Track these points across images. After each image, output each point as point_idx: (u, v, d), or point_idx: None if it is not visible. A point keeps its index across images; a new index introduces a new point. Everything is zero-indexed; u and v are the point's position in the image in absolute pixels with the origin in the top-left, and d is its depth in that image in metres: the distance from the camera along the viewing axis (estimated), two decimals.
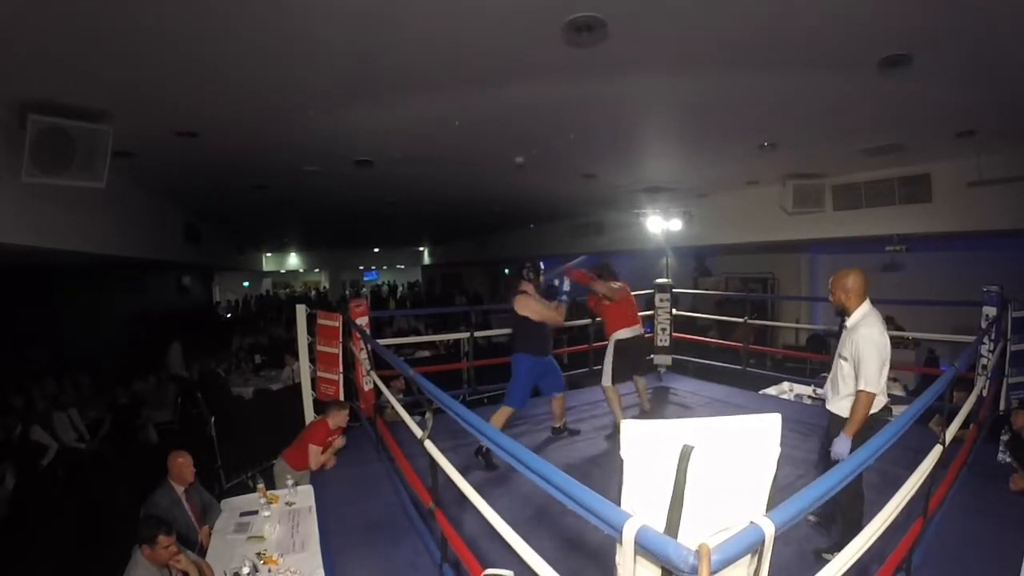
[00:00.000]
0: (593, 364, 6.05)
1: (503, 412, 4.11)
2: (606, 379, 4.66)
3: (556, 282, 4.28)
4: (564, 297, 4.21)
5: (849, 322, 2.70)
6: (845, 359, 2.68)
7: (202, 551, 3.14)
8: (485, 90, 3.57)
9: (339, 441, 4.15)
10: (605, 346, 4.83)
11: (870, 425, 2.62)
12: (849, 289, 2.69)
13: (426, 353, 9.42)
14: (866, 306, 2.67)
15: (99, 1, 2.31)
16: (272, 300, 21.77)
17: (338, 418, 4.13)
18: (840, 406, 2.73)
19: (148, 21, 2.48)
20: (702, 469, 1.09)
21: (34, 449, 5.71)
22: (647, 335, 5.18)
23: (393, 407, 3.59)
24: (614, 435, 4.48)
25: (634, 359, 4.85)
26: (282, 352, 8.64)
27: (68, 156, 3.50)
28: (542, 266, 4.24)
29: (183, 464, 3.37)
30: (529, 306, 4.04)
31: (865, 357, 2.53)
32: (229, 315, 18.41)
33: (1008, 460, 3.58)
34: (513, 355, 4.19)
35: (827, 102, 3.90)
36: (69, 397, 6.85)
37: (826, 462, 2.86)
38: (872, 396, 2.54)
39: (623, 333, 4.68)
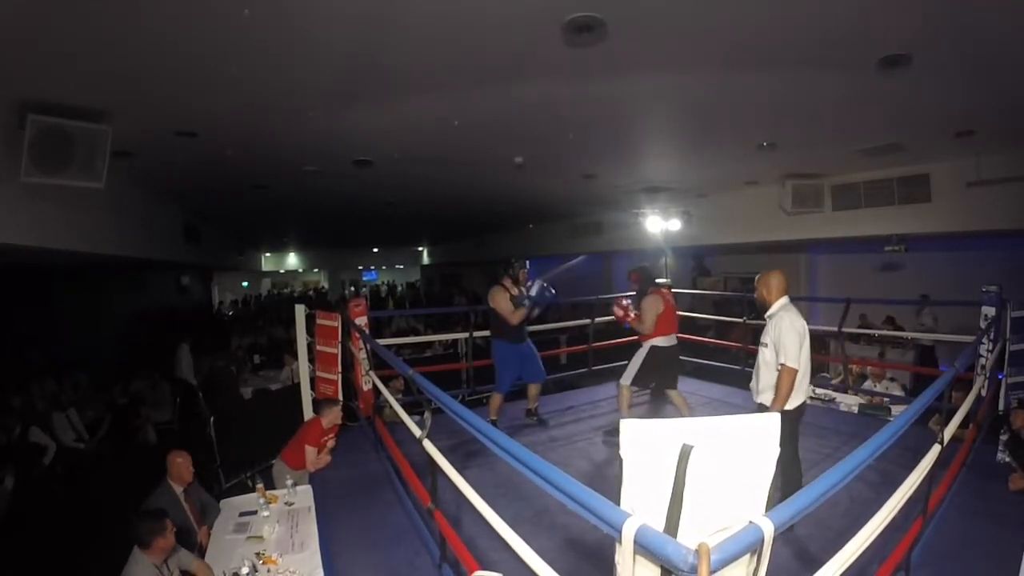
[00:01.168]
0: (592, 364, 6.06)
1: (494, 399, 4.67)
2: (626, 378, 4.49)
3: (527, 288, 4.47)
4: (526, 302, 4.44)
5: (769, 313, 3.01)
6: (766, 345, 2.96)
7: (201, 551, 3.14)
8: (484, 90, 3.57)
9: (331, 441, 4.15)
10: (606, 346, 4.82)
11: (789, 417, 2.82)
12: (772, 287, 3.00)
13: (428, 353, 9.43)
14: (784, 300, 2.99)
15: (99, 1, 2.31)
16: (274, 300, 21.77)
17: (331, 416, 4.13)
18: (766, 396, 2.96)
19: (148, 21, 2.48)
20: (701, 469, 1.09)
21: (33, 450, 5.70)
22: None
23: (392, 407, 3.59)
24: (613, 432, 4.42)
25: (665, 370, 4.53)
26: (281, 352, 8.64)
27: (67, 156, 3.50)
28: (525, 263, 4.65)
29: (182, 464, 3.37)
30: (496, 299, 4.49)
31: (784, 336, 2.83)
32: (232, 312, 18.49)
33: (1007, 460, 3.58)
34: (492, 343, 4.66)
35: (827, 102, 3.90)
36: (68, 397, 6.84)
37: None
38: (794, 372, 2.81)
39: (660, 341, 4.44)
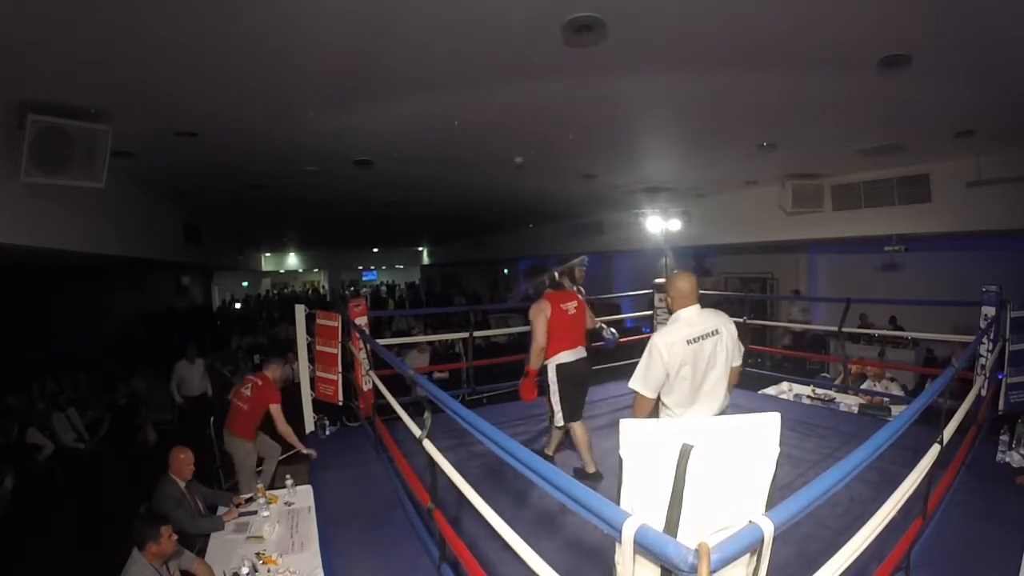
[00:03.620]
0: (592, 364, 6.04)
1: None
2: (559, 419, 3.64)
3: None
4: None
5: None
6: None
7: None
8: (485, 90, 3.57)
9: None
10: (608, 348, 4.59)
11: None
12: (673, 294, 2.60)
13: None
14: (680, 313, 2.54)
15: (99, 1, 2.31)
16: (275, 300, 21.89)
17: (276, 371, 4.22)
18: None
19: (148, 21, 2.48)
20: (701, 468, 1.10)
21: (30, 450, 5.71)
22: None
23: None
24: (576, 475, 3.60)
25: (580, 390, 3.74)
26: (284, 352, 8.62)
27: (67, 156, 3.50)
28: (584, 261, 4.33)
29: (183, 460, 3.42)
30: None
31: (644, 355, 2.48)
32: (240, 307, 19.10)
33: (1007, 460, 3.59)
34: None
35: (827, 102, 3.90)
36: (68, 397, 6.84)
37: None
38: (640, 397, 2.48)
39: (562, 356, 3.61)
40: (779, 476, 1.25)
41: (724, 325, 2.60)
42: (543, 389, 3.71)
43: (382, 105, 3.85)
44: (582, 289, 4.27)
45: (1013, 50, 2.94)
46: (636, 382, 2.49)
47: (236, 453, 4.08)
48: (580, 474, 3.71)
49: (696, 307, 2.57)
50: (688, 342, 2.45)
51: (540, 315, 3.53)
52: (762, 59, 3.12)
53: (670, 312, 2.62)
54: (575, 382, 3.67)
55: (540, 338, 3.51)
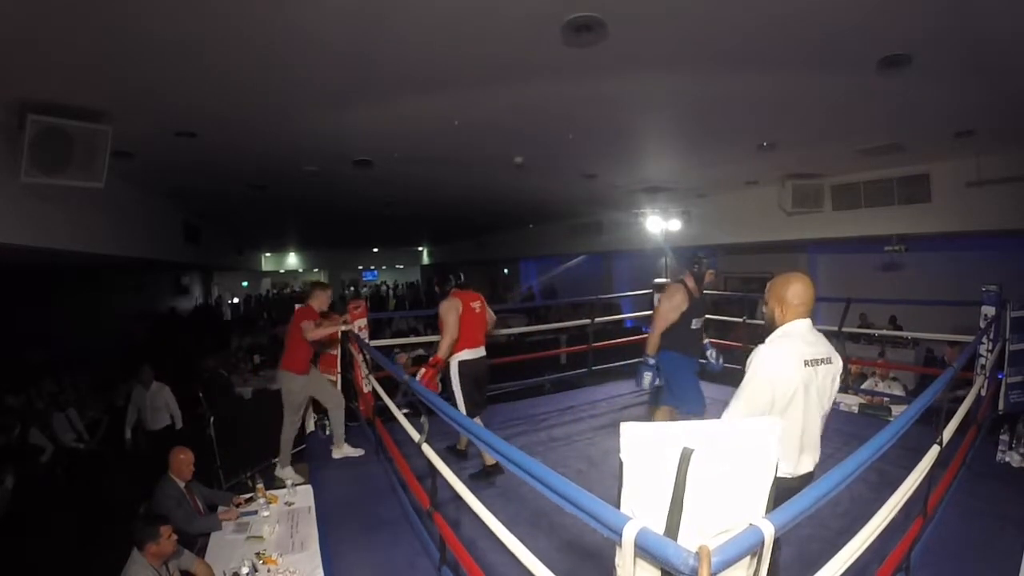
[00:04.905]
0: (592, 364, 6.06)
1: (662, 411, 3.81)
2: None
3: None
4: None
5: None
6: None
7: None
8: (484, 90, 3.57)
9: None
10: (607, 346, 4.49)
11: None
12: (786, 301, 1.97)
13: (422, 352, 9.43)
14: (793, 326, 1.95)
15: (99, 2, 2.30)
16: (274, 300, 21.93)
17: (321, 300, 4.17)
18: None
19: (148, 22, 2.47)
20: (702, 471, 1.09)
21: (32, 451, 5.70)
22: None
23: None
24: (479, 478, 3.67)
25: (481, 388, 3.92)
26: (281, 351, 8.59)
27: (67, 156, 3.50)
28: (714, 263, 3.96)
29: (184, 461, 3.42)
30: (667, 297, 3.74)
31: (746, 378, 1.88)
32: (242, 306, 19.59)
33: (1007, 460, 3.59)
34: (660, 356, 3.76)
35: (827, 102, 3.90)
36: (68, 397, 6.84)
37: None
38: None
39: (465, 354, 3.76)
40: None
41: (835, 355, 2.01)
42: (444, 385, 3.95)
43: (382, 105, 3.85)
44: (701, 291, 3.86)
45: (1013, 50, 2.93)
46: (735, 414, 1.85)
47: (283, 391, 4.10)
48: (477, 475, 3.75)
49: (810, 322, 1.97)
50: (805, 363, 1.87)
51: (452, 311, 3.73)
52: (762, 59, 3.11)
53: (773, 324, 2.01)
54: (476, 379, 3.87)
55: (453, 331, 3.70)
